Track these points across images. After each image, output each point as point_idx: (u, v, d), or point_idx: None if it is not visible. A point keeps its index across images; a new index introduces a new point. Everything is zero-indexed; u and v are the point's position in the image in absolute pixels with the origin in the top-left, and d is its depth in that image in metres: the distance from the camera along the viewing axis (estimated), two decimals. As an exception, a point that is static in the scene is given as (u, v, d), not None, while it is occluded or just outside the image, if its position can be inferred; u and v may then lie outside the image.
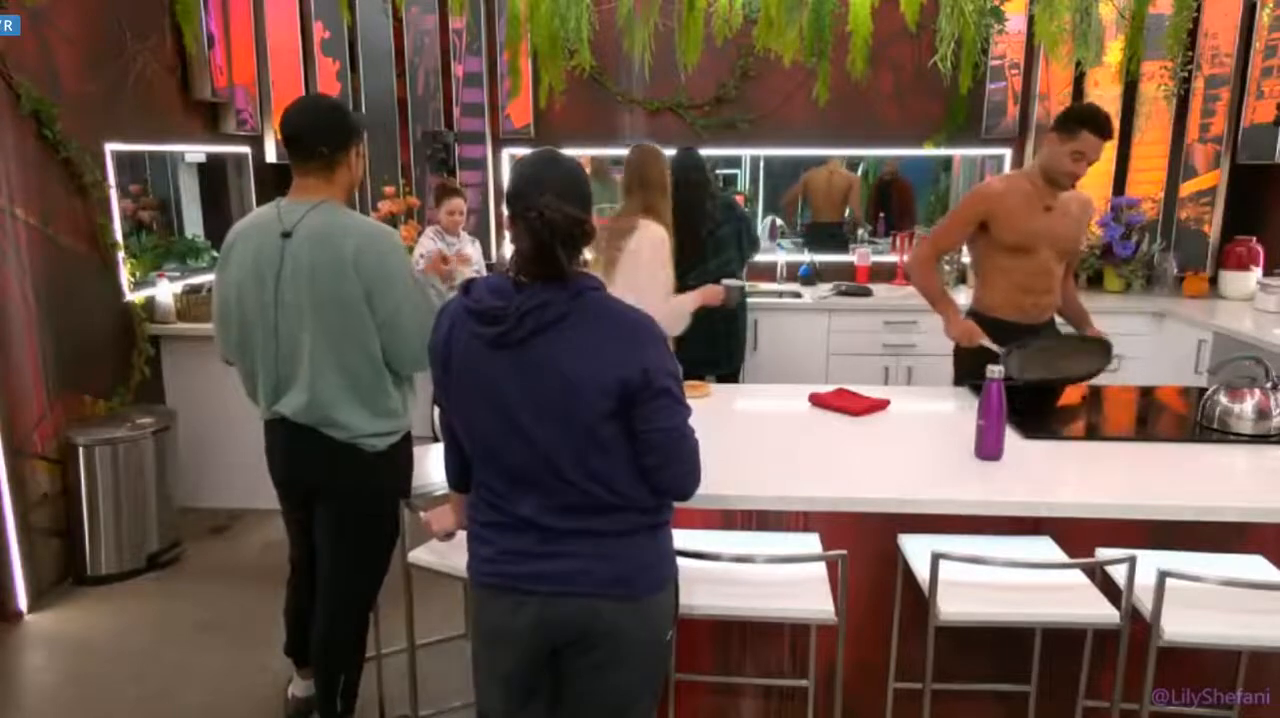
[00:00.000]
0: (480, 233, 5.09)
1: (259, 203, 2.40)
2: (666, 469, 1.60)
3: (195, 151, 4.59)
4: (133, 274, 4.04)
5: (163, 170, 4.43)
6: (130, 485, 3.65)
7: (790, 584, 1.96)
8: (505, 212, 1.61)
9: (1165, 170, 4.91)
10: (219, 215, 4.71)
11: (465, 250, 4.40)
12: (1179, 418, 2.83)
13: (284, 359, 2.23)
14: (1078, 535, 2.07)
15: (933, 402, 2.87)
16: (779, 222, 5.45)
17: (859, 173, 5.61)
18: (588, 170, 5.06)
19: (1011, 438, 2.33)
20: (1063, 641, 2.14)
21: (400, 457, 2.38)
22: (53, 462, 3.55)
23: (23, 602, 3.37)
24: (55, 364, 3.57)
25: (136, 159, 4.15)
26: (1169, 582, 1.78)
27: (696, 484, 1.66)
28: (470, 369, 1.58)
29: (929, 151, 5.20)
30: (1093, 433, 2.51)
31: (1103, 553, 1.99)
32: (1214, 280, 4.80)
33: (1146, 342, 4.56)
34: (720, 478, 2.06)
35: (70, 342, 3.66)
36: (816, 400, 2.74)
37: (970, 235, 3.01)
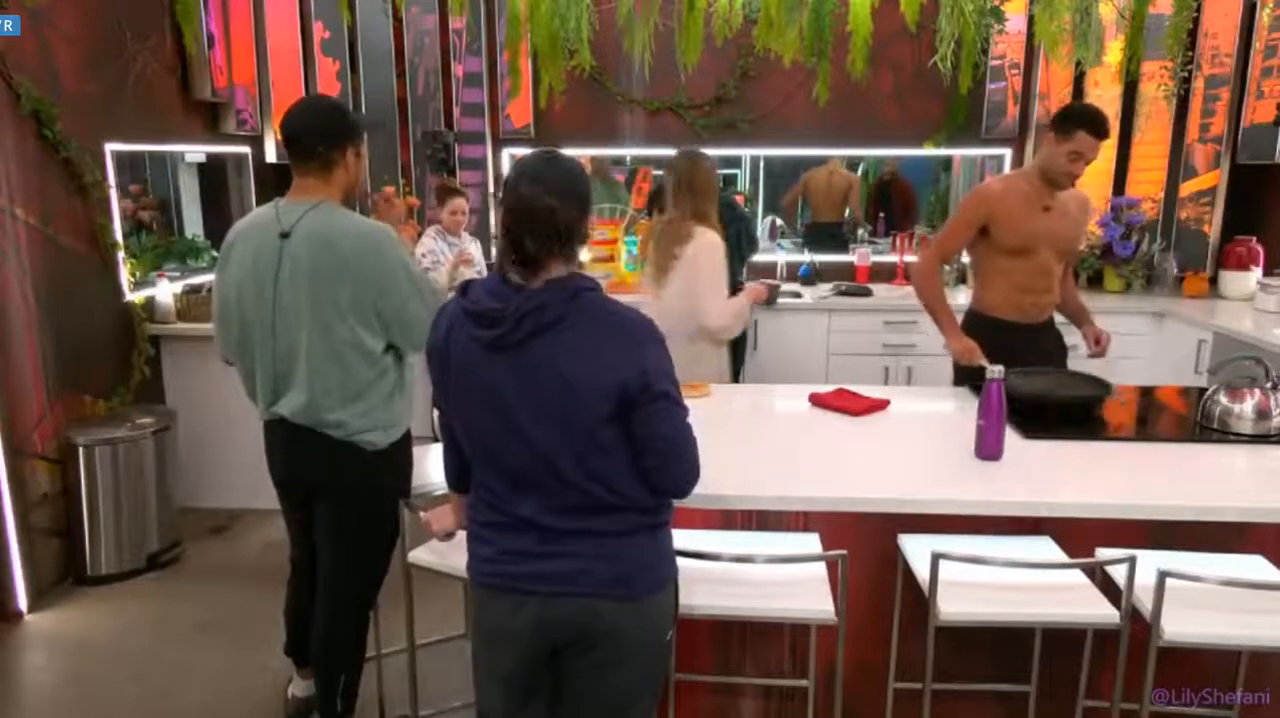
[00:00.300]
0: (480, 233, 5.09)
1: (259, 203, 2.40)
2: (667, 471, 1.61)
3: (195, 151, 4.59)
4: (133, 274, 4.04)
5: (163, 170, 4.43)
6: (130, 485, 3.65)
7: (790, 584, 1.96)
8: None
9: (1165, 170, 4.91)
10: (219, 215, 4.71)
11: (467, 251, 4.40)
12: (1179, 418, 2.83)
13: (282, 359, 2.23)
14: (1078, 536, 2.07)
15: (933, 402, 2.87)
16: (779, 222, 5.46)
17: (859, 173, 5.61)
18: (588, 170, 5.06)
19: (1011, 438, 2.33)
20: (1063, 641, 2.14)
21: (400, 455, 2.38)
22: (53, 462, 3.55)
23: (23, 602, 3.37)
24: (55, 364, 3.57)
25: (136, 159, 4.15)
26: (1169, 582, 1.78)
27: (695, 482, 1.66)
28: (469, 372, 1.58)
29: (929, 151, 5.20)
30: (1093, 433, 2.50)
31: (1103, 553, 1.99)
32: (1214, 280, 4.80)
33: (1146, 342, 4.56)
34: (720, 478, 2.06)
35: (70, 342, 3.66)
36: (816, 400, 2.74)
37: (971, 239, 3.01)
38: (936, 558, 1.85)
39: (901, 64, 5.04)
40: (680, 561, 1.76)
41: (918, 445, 2.42)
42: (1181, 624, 1.81)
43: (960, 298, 3.73)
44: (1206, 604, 1.86)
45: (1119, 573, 1.90)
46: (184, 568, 3.78)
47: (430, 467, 2.59)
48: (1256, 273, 4.60)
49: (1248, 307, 4.48)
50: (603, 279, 4.95)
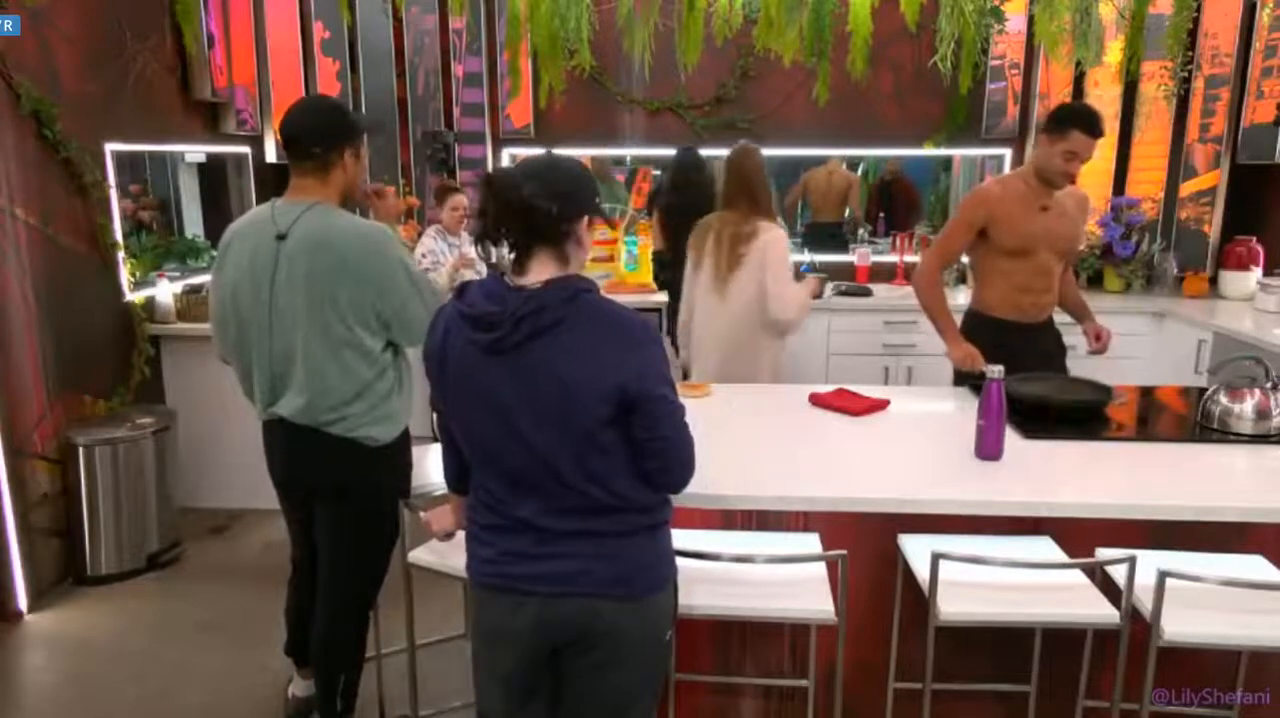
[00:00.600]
0: (480, 233, 5.08)
1: (259, 203, 2.40)
2: (669, 472, 1.62)
3: (195, 151, 4.59)
4: (133, 274, 4.04)
5: (163, 170, 4.43)
6: (130, 485, 3.65)
7: (790, 584, 1.96)
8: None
9: (1165, 170, 4.91)
10: (219, 215, 4.71)
11: (469, 254, 4.39)
12: (1179, 418, 2.83)
13: (279, 360, 2.23)
14: (1078, 536, 2.07)
15: (933, 402, 2.87)
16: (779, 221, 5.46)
17: (859, 173, 5.61)
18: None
19: (1011, 438, 2.32)
20: (1063, 641, 2.14)
21: (399, 453, 2.38)
22: (53, 462, 3.55)
23: (23, 602, 3.37)
24: (55, 364, 3.57)
25: (136, 159, 4.15)
26: (1169, 582, 1.78)
27: (691, 477, 1.67)
28: (467, 375, 1.58)
29: (929, 152, 5.20)
30: (1093, 433, 2.50)
31: (1103, 553, 1.99)
32: (1214, 280, 4.80)
33: (1146, 342, 4.56)
34: (720, 478, 2.06)
35: (70, 342, 3.66)
36: (816, 400, 2.74)
37: (971, 241, 3.00)
38: (936, 558, 1.85)
39: (901, 64, 5.04)
40: (680, 561, 1.76)
41: (918, 445, 2.42)
42: (1181, 624, 1.81)
43: (960, 298, 3.72)
44: (1206, 604, 1.86)
45: (1119, 573, 1.90)
46: (184, 568, 3.78)
47: (430, 467, 2.59)
48: (1256, 273, 4.60)
49: (1248, 307, 4.48)
50: (602, 279, 4.95)
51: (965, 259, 3.24)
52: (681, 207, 4.03)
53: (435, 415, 1.76)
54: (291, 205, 2.21)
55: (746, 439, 2.47)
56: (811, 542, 2.08)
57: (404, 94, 5.12)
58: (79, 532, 3.60)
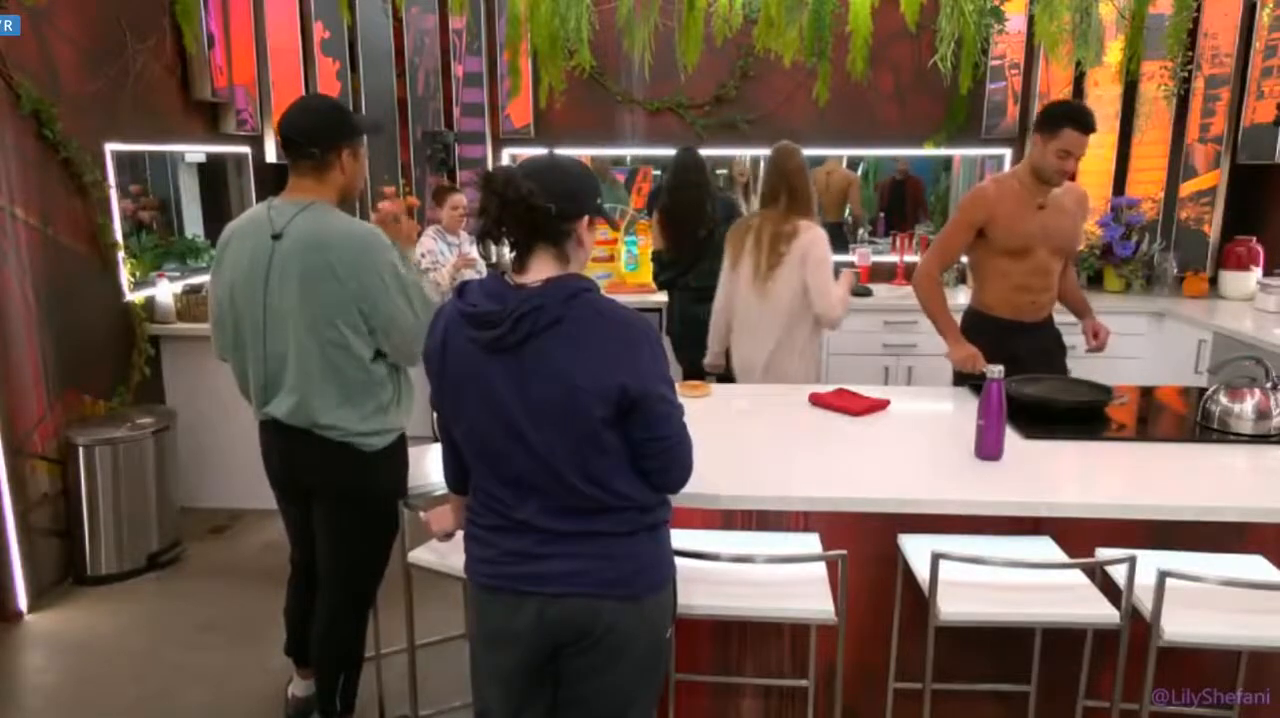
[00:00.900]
0: (480, 233, 5.08)
1: (259, 203, 2.39)
2: (668, 473, 1.62)
3: (195, 152, 4.59)
4: (133, 274, 4.04)
5: (163, 170, 4.43)
6: (130, 485, 3.65)
7: (790, 584, 1.96)
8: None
9: (1165, 170, 4.91)
10: (219, 215, 4.71)
11: (469, 254, 4.39)
12: (1179, 418, 2.83)
13: (273, 360, 2.23)
14: (1078, 536, 2.07)
15: (933, 402, 2.87)
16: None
17: (859, 173, 5.61)
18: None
19: (1011, 438, 2.32)
20: (1063, 641, 2.14)
21: (396, 456, 2.38)
22: (53, 462, 3.55)
23: (23, 602, 3.37)
24: (55, 364, 3.57)
25: (136, 159, 4.15)
26: (1169, 582, 1.78)
27: (689, 478, 1.67)
28: (467, 374, 1.58)
29: (929, 152, 5.20)
30: (1093, 433, 2.50)
31: (1103, 553, 1.99)
32: (1214, 280, 4.80)
33: (1146, 342, 4.56)
34: (720, 478, 2.06)
35: (70, 342, 3.66)
36: (816, 400, 2.74)
37: (969, 241, 3.00)
38: (936, 558, 1.85)
39: (901, 64, 5.04)
40: (680, 560, 1.76)
41: (918, 445, 2.42)
42: (1181, 624, 1.81)
43: (960, 298, 3.72)
44: (1206, 604, 1.86)
45: (1119, 573, 1.90)
46: (184, 568, 3.78)
47: (430, 467, 2.59)
48: (1256, 273, 4.60)
49: (1248, 307, 4.48)
50: (602, 279, 4.95)
51: (964, 259, 3.24)
52: (681, 207, 4.02)
53: (435, 415, 1.76)
54: (288, 205, 2.21)
55: (746, 439, 2.47)
56: (811, 542, 2.08)
57: (404, 94, 5.12)
58: (79, 532, 3.60)
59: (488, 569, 1.65)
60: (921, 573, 1.93)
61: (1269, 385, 2.47)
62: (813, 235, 3.11)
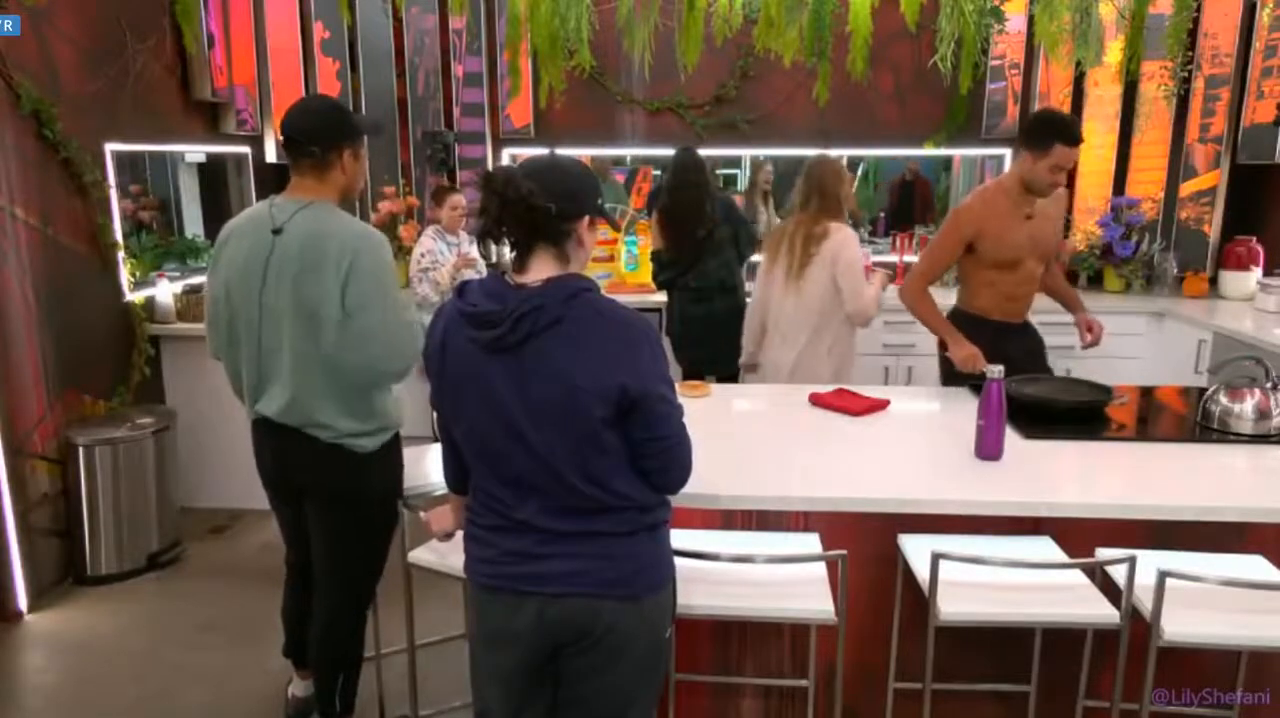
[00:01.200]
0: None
1: (259, 201, 2.40)
2: (667, 473, 1.62)
3: (195, 152, 4.59)
4: (133, 274, 4.04)
5: (163, 170, 4.43)
6: (130, 485, 3.65)
7: (790, 584, 1.96)
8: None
9: (1165, 170, 4.90)
10: (219, 215, 4.70)
11: (469, 254, 4.39)
12: (1179, 418, 2.83)
13: (266, 358, 2.22)
14: (1078, 536, 2.07)
15: (933, 402, 2.87)
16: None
17: (859, 173, 5.61)
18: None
19: (1011, 438, 2.32)
20: (1063, 641, 2.14)
21: (390, 458, 2.36)
22: (53, 462, 3.55)
23: (23, 602, 3.37)
24: (55, 364, 3.57)
25: (136, 159, 4.15)
26: (1169, 582, 1.78)
27: (688, 479, 1.67)
28: (468, 374, 1.58)
29: (929, 152, 5.20)
30: (1093, 433, 2.50)
31: (1103, 553, 1.99)
32: (1214, 280, 4.80)
33: (1146, 342, 4.55)
34: (720, 478, 2.06)
35: (70, 342, 3.66)
36: (816, 400, 2.74)
37: (959, 256, 3.01)
38: (936, 558, 1.85)
39: (901, 64, 5.04)
40: (680, 560, 1.76)
41: (918, 446, 2.42)
42: (1181, 624, 1.81)
43: (951, 299, 3.69)
44: (1206, 604, 1.86)
45: (1119, 573, 1.90)
46: (184, 568, 3.78)
47: (430, 467, 2.59)
48: (1256, 273, 4.60)
49: (1248, 307, 4.48)
50: (602, 279, 4.95)
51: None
52: (680, 207, 4.02)
53: (435, 415, 1.75)
54: (289, 203, 2.21)
55: (746, 439, 2.47)
56: (811, 542, 2.08)
57: (404, 94, 5.12)
58: (79, 532, 3.60)
59: (488, 569, 1.65)
60: (921, 573, 1.93)
61: (1269, 385, 2.47)
62: (843, 237, 3.25)
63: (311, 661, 2.50)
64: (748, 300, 4.30)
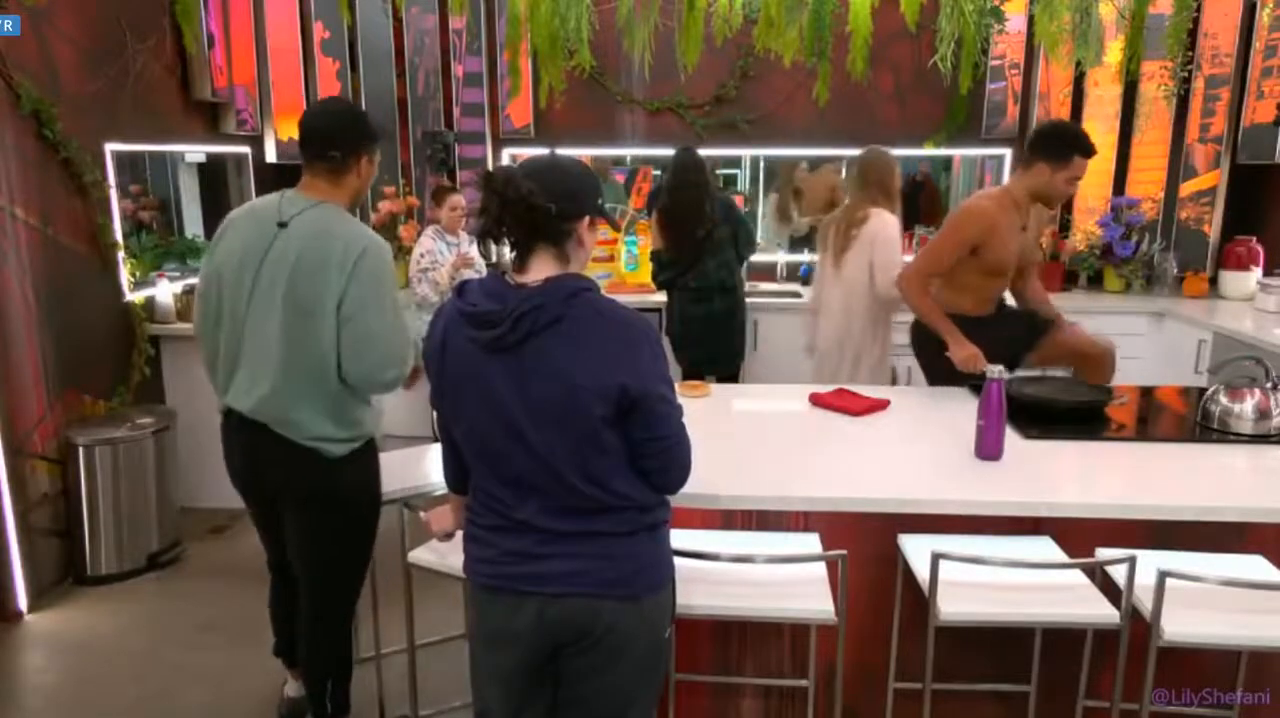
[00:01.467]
0: (480, 233, 5.08)
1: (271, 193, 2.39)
2: (667, 473, 1.63)
3: (195, 152, 4.59)
4: (133, 274, 4.04)
5: (163, 170, 4.43)
6: (130, 485, 3.65)
7: (790, 584, 1.96)
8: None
9: (1165, 170, 4.91)
10: (219, 215, 4.66)
11: (469, 254, 4.39)
12: (1179, 418, 2.83)
13: (246, 348, 2.19)
14: (1078, 536, 2.07)
15: (933, 402, 2.87)
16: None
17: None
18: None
19: (1011, 438, 2.33)
20: (1063, 641, 2.14)
21: (363, 460, 2.32)
22: (53, 462, 3.55)
23: (23, 602, 3.37)
24: (55, 364, 3.57)
25: (136, 159, 4.15)
26: (1169, 582, 1.78)
27: (688, 479, 1.68)
28: (467, 374, 1.58)
29: (929, 152, 5.20)
30: (1093, 433, 2.50)
31: (1103, 553, 1.99)
32: (1214, 280, 4.81)
33: (1146, 342, 4.56)
34: (720, 478, 2.06)
35: (70, 342, 3.66)
36: (816, 400, 2.74)
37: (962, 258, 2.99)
38: (936, 558, 1.85)
39: (901, 64, 5.04)
40: (680, 560, 1.76)
41: (918, 445, 2.42)
42: (1181, 624, 1.81)
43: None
44: (1206, 604, 1.86)
45: (1119, 573, 1.90)
46: (184, 568, 3.78)
47: (430, 467, 2.59)
48: (1256, 273, 4.60)
49: (1248, 307, 4.48)
50: (602, 279, 4.95)
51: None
52: (680, 207, 4.03)
53: (435, 415, 1.75)
54: (300, 198, 2.20)
55: (746, 439, 2.47)
56: (811, 542, 2.08)
57: (404, 94, 5.12)
58: (79, 532, 3.60)
59: (488, 569, 1.65)
60: (921, 573, 1.93)
61: (1269, 385, 2.47)
62: (882, 220, 3.45)
63: (300, 662, 2.49)
64: (747, 300, 4.31)
